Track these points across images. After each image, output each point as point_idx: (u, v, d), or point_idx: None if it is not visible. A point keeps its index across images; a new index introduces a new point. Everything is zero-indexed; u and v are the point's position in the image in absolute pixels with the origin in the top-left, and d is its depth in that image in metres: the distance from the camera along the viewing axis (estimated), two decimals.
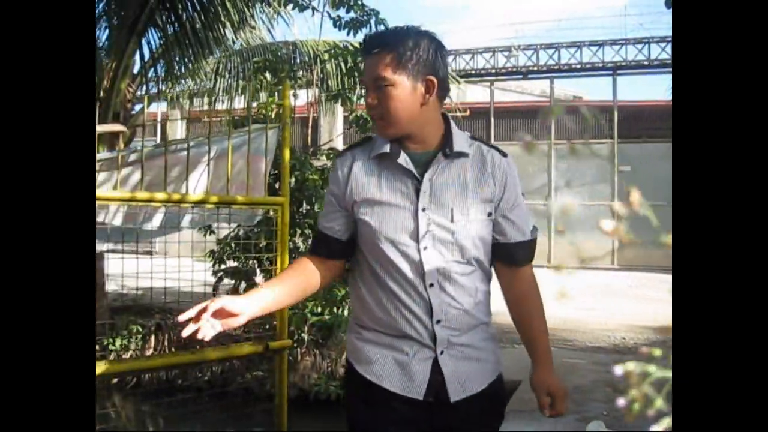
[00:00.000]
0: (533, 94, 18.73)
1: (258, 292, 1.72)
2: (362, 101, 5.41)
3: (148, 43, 7.64)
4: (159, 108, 14.32)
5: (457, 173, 1.72)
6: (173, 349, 6.43)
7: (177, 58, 7.80)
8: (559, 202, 0.67)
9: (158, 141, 12.63)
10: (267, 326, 6.13)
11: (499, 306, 1.88)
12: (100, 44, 7.61)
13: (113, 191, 2.93)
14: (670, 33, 12.12)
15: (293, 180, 5.83)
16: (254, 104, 6.28)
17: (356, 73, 6.77)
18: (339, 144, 11.34)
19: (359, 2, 5.86)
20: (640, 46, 14.53)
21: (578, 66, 15.19)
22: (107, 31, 7.55)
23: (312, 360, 6.14)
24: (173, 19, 7.36)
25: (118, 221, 3.42)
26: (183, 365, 5.07)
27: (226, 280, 6.72)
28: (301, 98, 8.99)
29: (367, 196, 1.73)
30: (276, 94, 6.76)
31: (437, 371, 1.71)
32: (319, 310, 5.93)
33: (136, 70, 7.59)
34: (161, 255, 3.90)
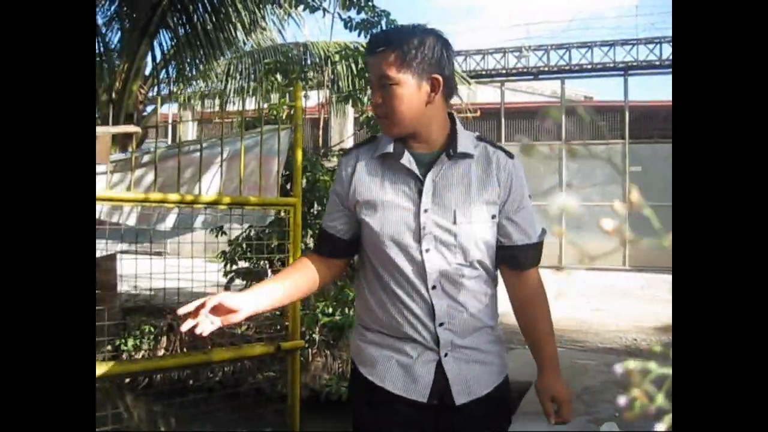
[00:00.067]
0: (544, 95, 18.69)
1: (258, 288, 1.72)
2: None
3: (160, 44, 7.69)
4: (170, 109, 14.38)
5: (460, 174, 1.70)
6: (185, 350, 6.45)
7: (188, 60, 7.83)
8: (558, 202, 0.67)
9: (169, 142, 12.70)
10: (278, 327, 6.15)
11: (507, 307, 1.86)
12: (112, 46, 7.66)
13: (127, 192, 2.95)
14: None
15: (304, 181, 5.84)
16: (265, 105, 6.30)
17: (367, 75, 6.77)
18: (350, 145, 11.34)
19: (370, 3, 5.86)
20: (651, 46, 14.46)
21: (589, 66, 15.14)
22: (119, 34, 7.60)
23: (323, 361, 6.14)
24: (184, 20, 7.39)
25: (132, 222, 3.44)
26: (194, 366, 5.09)
27: (237, 281, 6.74)
28: (311, 99, 9.01)
29: (369, 196, 1.72)
30: (287, 95, 6.78)
31: (441, 374, 1.69)
32: (330, 310, 5.94)
33: (147, 71, 7.63)
34: (173, 255, 3.92)
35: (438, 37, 1.69)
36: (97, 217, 3.20)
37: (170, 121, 14.82)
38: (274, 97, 7.23)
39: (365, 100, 6.98)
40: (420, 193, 1.67)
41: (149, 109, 7.68)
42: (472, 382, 1.71)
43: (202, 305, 1.54)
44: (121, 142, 6.18)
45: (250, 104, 9.25)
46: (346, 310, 5.83)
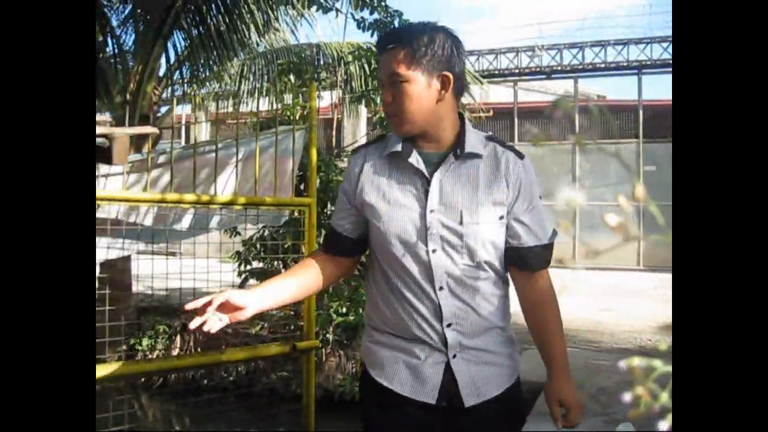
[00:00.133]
0: (557, 94, 18.62)
1: (265, 286, 1.71)
2: None
3: (174, 46, 7.73)
4: (183, 110, 14.45)
5: (468, 174, 1.67)
6: (199, 349, 6.49)
7: (202, 61, 7.87)
8: (563, 197, 0.66)
9: (183, 143, 12.75)
10: (292, 327, 6.17)
11: (520, 307, 1.83)
12: (127, 48, 7.71)
13: (143, 192, 2.97)
14: None
15: (317, 181, 5.86)
16: (278, 106, 6.33)
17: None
18: None
19: (383, 3, 5.87)
20: (665, 44, 14.36)
21: (602, 65, 15.08)
22: (133, 35, 7.65)
23: (337, 361, 6.15)
24: (198, 21, 7.43)
25: (149, 222, 3.47)
26: (209, 365, 5.11)
27: (251, 281, 6.77)
28: (324, 100, 9.02)
29: (376, 196, 1.70)
30: (300, 95, 6.80)
31: (450, 375, 1.68)
32: (344, 310, 5.96)
33: (161, 72, 7.67)
34: (187, 256, 3.94)
35: (448, 35, 1.67)
36: (114, 217, 3.22)
37: (183, 122, 14.88)
38: (288, 98, 7.25)
39: (378, 100, 6.99)
40: (427, 193, 1.65)
41: (163, 110, 7.72)
42: (481, 383, 1.69)
43: (210, 302, 1.54)
44: (136, 143, 6.22)
45: (264, 105, 9.28)
46: (360, 310, 5.84)
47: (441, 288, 1.65)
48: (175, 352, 6.63)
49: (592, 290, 10.02)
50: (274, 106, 8.15)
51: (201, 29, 7.46)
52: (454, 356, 1.67)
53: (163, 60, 7.52)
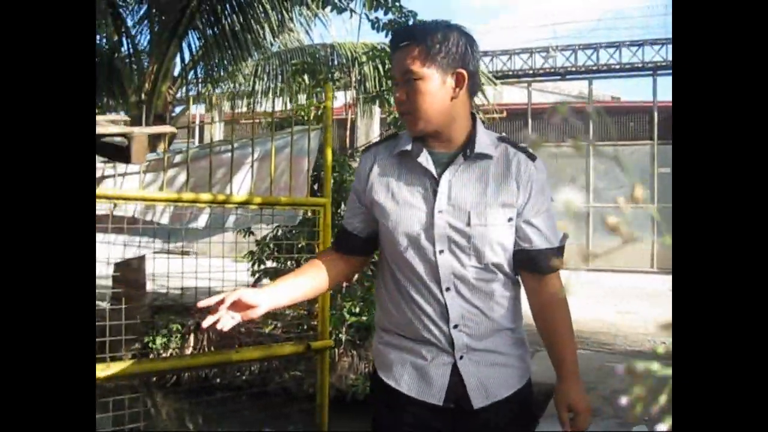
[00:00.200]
0: (571, 95, 18.55)
1: (277, 285, 1.71)
2: None
3: (189, 46, 7.78)
4: (198, 110, 14.52)
5: (477, 175, 1.65)
6: (212, 348, 6.51)
7: (216, 61, 7.90)
8: (563, 199, 0.66)
9: (197, 143, 12.81)
10: (306, 326, 6.18)
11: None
12: (142, 48, 7.76)
13: (160, 192, 2.98)
14: None
15: (332, 181, 5.87)
16: (292, 106, 6.35)
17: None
18: None
19: (397, 3, 5.87)
20: None
21: (617, 66, 15.02)
22: (149, 35, 7.69)
23: (349, 360, 6.16)
24: (213, 21, 7.46)
25: (165, 221, 3.48)
26: (222, 364, 5.13)
27: (265, 281, 6.79)
28: (338, 100, 9.04)
29: (385, 195, 1.69)
30: (314, 96, 6.81)
31: (457, 377, 1.66)
32: (357, 310, 5.96)
33: (176, 72, 7.71)
34: (201, 255, 3.95)
35: (462, 32, 1.65)
36: (131, 215, 3.24)
37: (197, 122, 14.95)
38: (302, 98, 7.27)
39: (392, 100, 6.99)
40: (435, 193, 1.64)
41: (178, 110, 7.76)
42: (489, 385, 1.67)
43: (222, 301, 1.54)
44: (151, 142, 6.26)
45: (278, 105, 9.31)
46: (373, 310, 5.84)
47: (448, 289, 1.64)
48: (188, 351, 6.65)
49: (605, 292, 9.98)
50: (288, 107, 8.16)
51: (216, 29, 7.50)
52: (461, 357, 1.66)
53: (177, 60, 7.58)
